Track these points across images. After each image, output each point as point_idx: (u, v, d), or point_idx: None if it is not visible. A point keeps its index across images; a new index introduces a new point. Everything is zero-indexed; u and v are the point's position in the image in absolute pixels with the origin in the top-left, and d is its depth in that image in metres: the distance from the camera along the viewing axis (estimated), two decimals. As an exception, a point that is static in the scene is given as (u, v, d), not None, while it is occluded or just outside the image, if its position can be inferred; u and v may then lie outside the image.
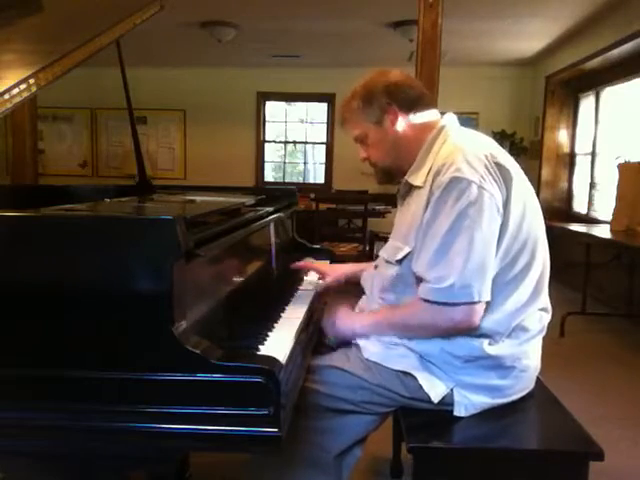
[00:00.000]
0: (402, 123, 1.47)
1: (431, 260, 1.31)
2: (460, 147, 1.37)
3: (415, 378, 1.39)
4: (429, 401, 1.39)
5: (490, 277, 1.30)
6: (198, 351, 1.01)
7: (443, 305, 1.29)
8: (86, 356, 1.03)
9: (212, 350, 1.04)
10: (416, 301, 1.35)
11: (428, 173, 1.38)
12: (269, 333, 1.30)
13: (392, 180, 1.55)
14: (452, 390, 1.39)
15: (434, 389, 1.39)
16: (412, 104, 1.47)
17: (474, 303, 1.29)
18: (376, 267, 1.57)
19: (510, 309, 1.37)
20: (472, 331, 1.34)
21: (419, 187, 1.41)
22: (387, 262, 1.48)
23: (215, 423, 1.00)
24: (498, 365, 1.39)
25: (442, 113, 1.53)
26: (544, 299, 1.46)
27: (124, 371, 1.02)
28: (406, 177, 1.47)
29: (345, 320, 1.54)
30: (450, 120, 1.50)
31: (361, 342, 1.48)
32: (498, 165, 1.33)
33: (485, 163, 1.31)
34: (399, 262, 1.42)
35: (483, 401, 1.40)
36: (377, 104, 1.46)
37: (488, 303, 1.34)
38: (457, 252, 1.27)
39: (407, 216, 1.46)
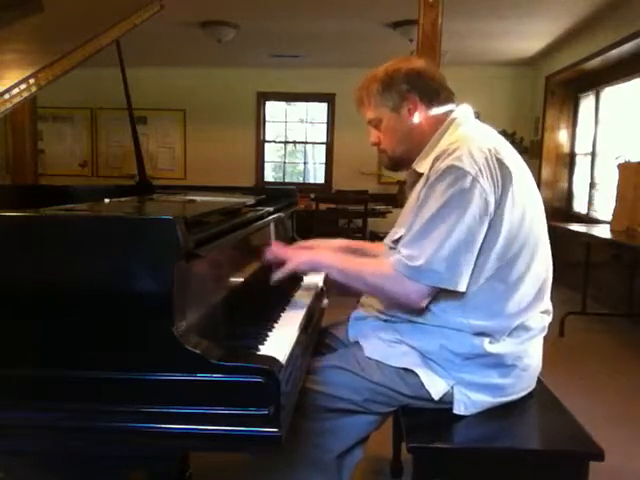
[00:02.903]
0: (420, 114, 1.46)
1: (410, 239, 1.33)
2: (465, 138, 1.36)
3: (416, 375, 1.39)
4: (430, 399, 1.39)
5: (466, 269, 1.30)
6: (198, 351, 1.01)
7: (406, 278, 1.31)
8: (86, 356, 1.03)
9: (212, 350, 1.04)
10: (385, 265, 1.37)
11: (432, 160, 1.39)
12: (269, 333, 1.29)
13: (399, 168, 1.56)
14: (452, 388, 1.39)
15: (435, 386, 1.39)
16: (432, 96, 1.46)
17: (433, 287, 1.31)
18: None
19: (511, 311, 1.37)
20: (416, 311, 1.37)
21: (422, 174, 1.42)
22: (390, 248, 1.49)
23: (215, 423, 1.00)
24: (499, 363, 1.39)
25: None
26: (546, 303, 1.46)
27: (124, 371, 1.01)
28: (413, 165, 1.48)
29: (307, 251, 1.57)
30: (463, 112, 1.48)
31: (362, 341, 1.48)
32: (500, 162, 1.31)
33: (487, 156, 1.30)
34: (396, 243, 1.43)
35: (484, 400, 1.40)
36: (396, 90, 1.45)
37: (489, 306, 1.35)
38: (434, 238, 1.29)
39: (409, 203, 1.48)
